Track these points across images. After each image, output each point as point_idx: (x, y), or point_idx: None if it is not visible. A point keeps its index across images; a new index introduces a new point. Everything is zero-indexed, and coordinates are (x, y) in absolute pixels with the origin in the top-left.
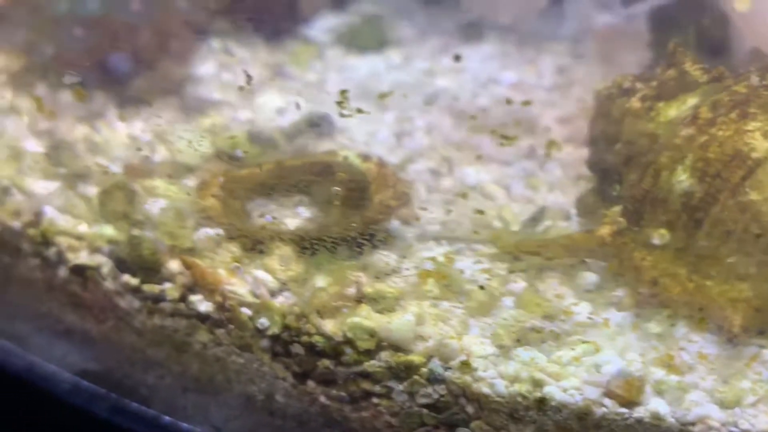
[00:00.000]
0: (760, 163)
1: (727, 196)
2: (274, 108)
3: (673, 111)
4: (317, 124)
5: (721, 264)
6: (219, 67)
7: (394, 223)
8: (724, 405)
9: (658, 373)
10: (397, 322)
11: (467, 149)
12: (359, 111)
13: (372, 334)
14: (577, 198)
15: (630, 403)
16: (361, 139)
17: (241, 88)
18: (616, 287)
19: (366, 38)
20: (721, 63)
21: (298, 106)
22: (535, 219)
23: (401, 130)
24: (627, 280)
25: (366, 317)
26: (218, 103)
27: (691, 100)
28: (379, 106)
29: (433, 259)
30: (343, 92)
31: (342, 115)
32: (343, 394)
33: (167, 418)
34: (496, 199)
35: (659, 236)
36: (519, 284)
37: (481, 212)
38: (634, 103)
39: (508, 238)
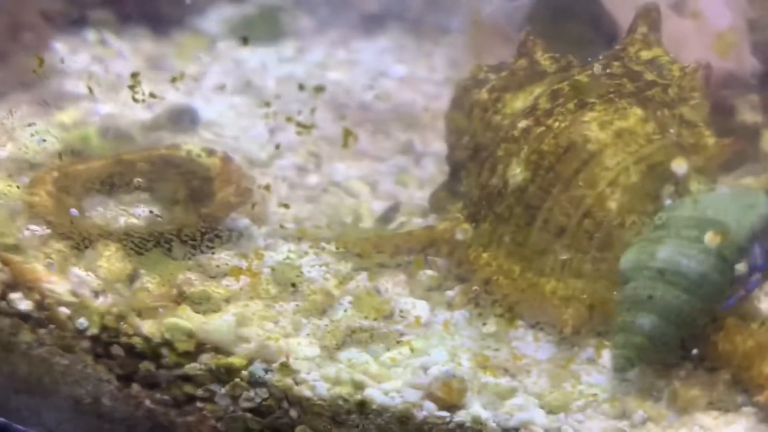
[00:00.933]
0: (594, 156)
1: (560, 190)
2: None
3: (519, 102)
4: (181, 117)
5: (555, 261)
6: (91, 59)
7: (242, 221)
8: (550, 409)
9: (485, 375)
10: (216, 323)
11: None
12: (152, 96)
13: (190, 335)
14: (431, 194)
15: (451, 407)
16: (232, 133)
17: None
18: (452, 285)
19: (261, 30)
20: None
21: (152, 95)
22: (389, 215)
23: (277, 124)
24: (464, 277)
25: (185, 318)
26: (80, 97)
27: (537, 91)
28: (258, 100)
29: (276, 257)
30: (134, 75)
31: (135, 100)
32: (166, 397)
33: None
34: (360, 195)
35: (462, 231)
36: (359, 283)
37: (342, 208)
38: (483, 94)
39: (354, 236)
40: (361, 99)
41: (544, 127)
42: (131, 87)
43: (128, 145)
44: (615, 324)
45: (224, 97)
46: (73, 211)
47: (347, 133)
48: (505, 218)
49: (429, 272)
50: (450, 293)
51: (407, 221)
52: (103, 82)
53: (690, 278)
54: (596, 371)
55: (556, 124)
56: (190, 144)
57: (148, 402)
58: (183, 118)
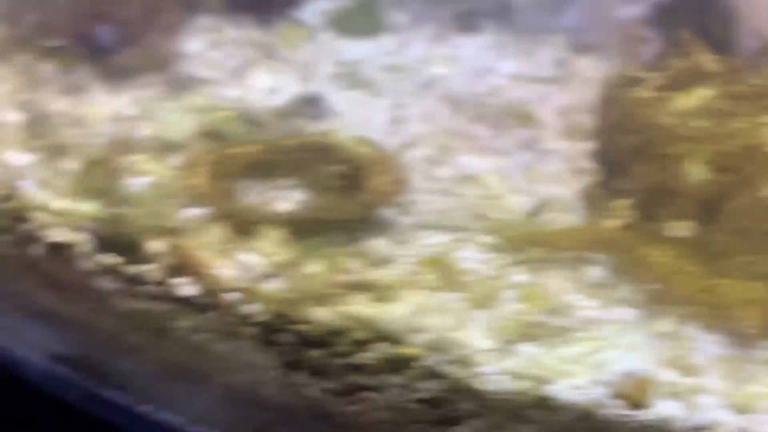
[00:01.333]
0: None
1: (741, 191)
2: (265, 88)
3: (685, 102)
4: (310, 105)
5: (736, 262)
6: (208, 44)
7: (391, 211)
8: (736, 410)
9: (668, 374)
10: (394, 312)
11: (464, 138)
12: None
13: (367, 323)
14: (583, 190)
15: (637, 405)
16: (356, 123)
17: None
18: (623, 283)
19: (359, 23)
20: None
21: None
22: (537, 210)
23: (396, 116)
24: (635, 276)
25: (361, 306)
26: (207, 81)
27: (705, 92)
28: (372, 92)
29: (432, 247)
30: None
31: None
32: (335, 386)
33: (146, 406)
34: (496, 189)
35: (681, 228)
36: (522, 277)
37: (484, 201)
38: (646, 92)
39: (510, 229)
40: (474, 94)
41: (724, 128)
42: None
43: (265, 130)
44: None
45: (339, 88)
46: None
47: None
48: (681, 218)
49: (595, 269)
50: (622, 291)
51: (555, 217)
52: (224, 67)
53: None
54: None
55: (738, 125)
56: (342, 133)
57: (313, 391)
58: (314, 106)
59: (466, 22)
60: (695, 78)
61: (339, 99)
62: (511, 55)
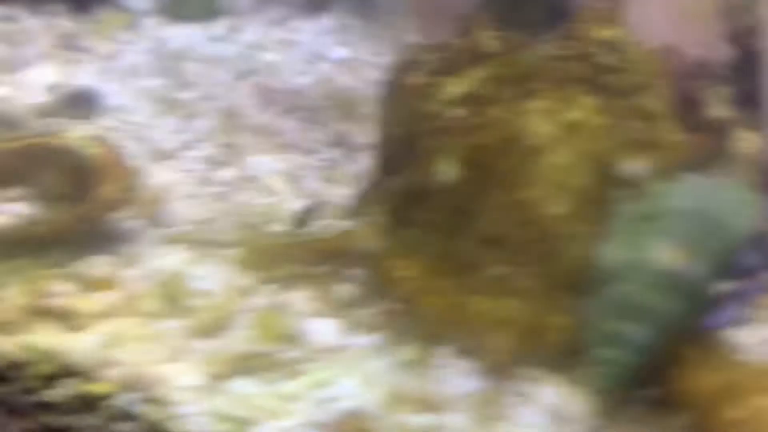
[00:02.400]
0: (539, 151)
1: (495, 192)
2: (43, 84)
3: (457, 88)
4: (80, 102)
5: (489, 275)
6: None
7: (131, 223)
8: None
9: (400, 412)
10: (81, 343)
11: (267, 134)
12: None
13: (52, 356)
14: (356, 192)
15: None
16: (141, 120)
17: None
18: (371, 303)
19: (193, 8)
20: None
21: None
22: (305, 217)
23: (194, 111)
24: (383, 294)
25: (48, 336)
26: None
27: (478, 75)
28: (178, 84)
29: (166, 265)
30: None
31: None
32: (31, 425)
33: None
34: (279, 194)
35: (428, 238)
36: (261, 299)
37: (256, 208)
38: (417, 78)
39: (261, 241)
40: (295, 83)
41: (483, 118)
42: None
43: (14, 132)
44: (595, 335)
45: (139, 79)
46: None
47: None
48: (431, 224)
49: (344, 287)
50: (365, 312)
51: (329, 224)
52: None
53: (688, 285)
54: (533, 408)
55: (495, 113)
56: (81, 131)
57: (13, 430)
58: (82, 103)
59: (319, 3)
60: (474, 59)
61: (135, 92)
62: (352, 41)
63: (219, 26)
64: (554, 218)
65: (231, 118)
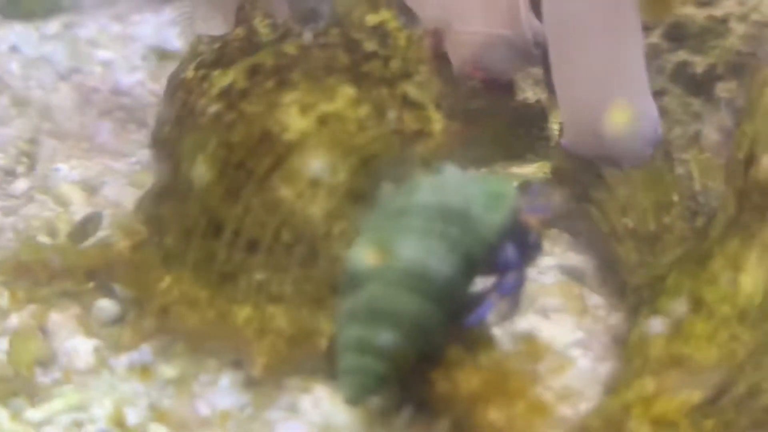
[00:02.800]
0: (293, 148)
1: (251, 193)
2: None
3: (222, 81)
4: None
5: (248, 283)
6: None
7: None
8: None
9: (158, 430)
10: None
11: (79, 138)
12: None
13: None
14: (137, 199)
15: None
16: None
17: None
18: (137, 319)
19: (30, 5)
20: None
21: None
22: (85, 229)
23: (5, 114)
24: (145, 308)
25: None
26: None
27: (241, 67)
28: None
29: None
30: None
31: None
32: None
33: None
34: (72, 204)
35: (192, 244)
36: (21, 320)
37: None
38: (189, 72)
39: (28, 258)
40: (122, 81)
41: (236, 113)
42: None
43: None
44: (343, 341)
45: None
46: None
47: None
48: (189, 230)
49: (107, 303)
50: (129, 329)
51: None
52: None
53: (437, 284)
54: (297, 421)
55: (251, 108)
56: None
57: None
58: None
59: None
60: (247, 50)
61: None
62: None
63: (55, 24)
64: (311, 218)
65: (41, 123)
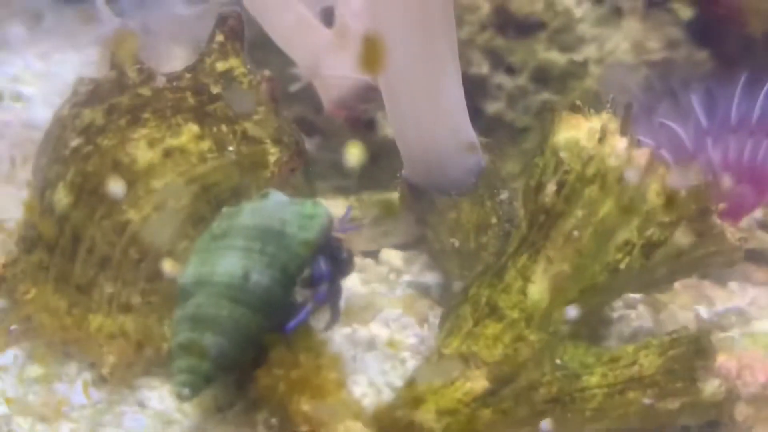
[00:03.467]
0: (140, 177)
1: (102, 216)
2: None
3: (87, 118)
4: None
5: (102, 295)
6: None
7: None
8: None
9: (17, 425)
10: None
11: None
12: None
13: None
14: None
15: None
16: None
17: None
18: (5, 325)
19: None
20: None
21: None
22: None
23: None
24: (11, 317)
25: None
26: None
27: (104, 106)
28: None
29: None
30: None
31: None
32: None
33: None
34: None
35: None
36: None
37: None
38: (64, 110)
39: None
40: (33, 117)
41: (93, 146)
42: None
43: None
44: (175, 345)
45: None
46: None
47: None
48: (51, 248)
49: None
50: None
51: None
52: None
53: (256, 294)
54: (141, 414)
55: (105, 142)
56: None
57: None
58: None
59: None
60: (115, 91)
61: None
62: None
63: None
64: (154, 238)
65: None
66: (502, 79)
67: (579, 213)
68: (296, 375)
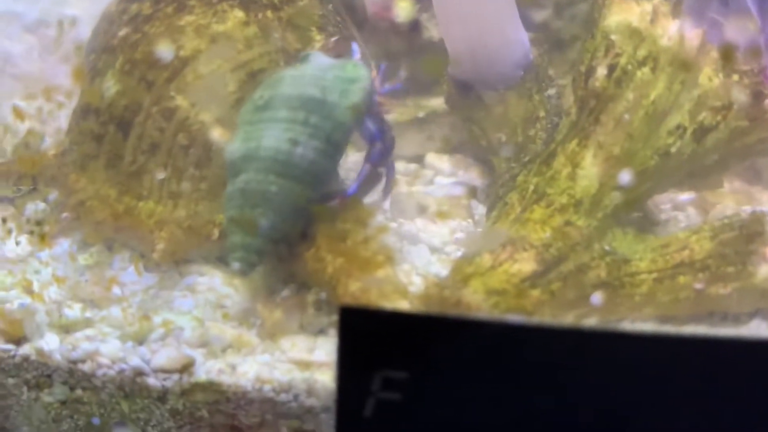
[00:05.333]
0: (187, 63)
1: (151, 102)
2: None
3: (134, 8)
4: None
5: (152, 181)
6: None
7: None
8: (128, 339)
9: (67, 308)
10: None
11: (35, 79)
12: None
13: None
14: (71, 115)
15: (17, 339)
16: None
17: None
18: (57, 215)
19: None
20: None
21: None
22: (27, 144)
23: None
24: (64, 206)
25: None
26: None
27: None
28: None
29: None
30: None
31: None
32: None
33: None
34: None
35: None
36: None
37: None
38: (110, 6)
39: None
40: (80, 33)
41: (140, 34)
42: None
43: None
44: (227, 220)
45: None
46: None
47: None
48: (101, 137)
49: (36, 204)
50: (51, 224)
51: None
52: None
53: (302, 167)
54: (193, 298)
55: (153, 30)
56: None
57: None
58: None
59: None
60: None
61: None
62: None
63: None
64: (203, 124)
65: (4, 66)
66: None
67: (630, 96)
68: (344, 251)
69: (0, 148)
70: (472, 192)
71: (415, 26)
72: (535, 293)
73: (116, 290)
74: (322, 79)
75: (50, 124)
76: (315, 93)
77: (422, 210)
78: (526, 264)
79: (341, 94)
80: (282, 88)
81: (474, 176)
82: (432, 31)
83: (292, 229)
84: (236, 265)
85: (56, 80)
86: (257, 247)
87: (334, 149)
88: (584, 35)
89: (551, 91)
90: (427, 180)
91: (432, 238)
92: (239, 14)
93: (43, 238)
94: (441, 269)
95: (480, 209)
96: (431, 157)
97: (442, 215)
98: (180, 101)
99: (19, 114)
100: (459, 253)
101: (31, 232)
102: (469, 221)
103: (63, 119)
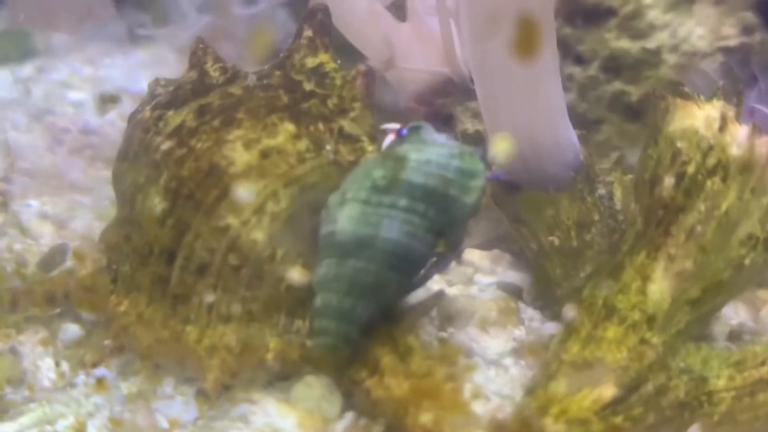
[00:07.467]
0: (238, 179)
1: (200, 222)
2: None
3: (175, 120)
4: None
5: (200, 304)
6: None
7: None
8: None
9: None
10: None
11: (49, 176)
12: None
13: None
14: (102, 231)
15: None
16: None
17: None
18: (99, 340)
19: (6, 49)
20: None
21: None
22: (53, 259)
23: None
24: (107, 330)
25: None
26: None
27: (193, 107)
28: None
29: None
30: None
31: None
32: None
33: None
34: (42, 237)
35: (143, 272)
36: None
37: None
38: (146, 112)
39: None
40: (88, 122)
41: (186, 149)
42: None
43: None
44: (322, 304)
45: None
46: None
47: None
48: (144, 257)
49: (73, 326)
50: (92, 350)
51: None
52: None
53: (413, 261)
54: (247, 428)
55: (199, 144)
56: None
57: None
58: None
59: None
60: (199, 91)
61: None
62: (166, 72)
63: (29, 67)
64: (255, 243)
65: (15, 162)
66: (572, 69)
67: (701, 206)
68: (410, 385)
69: (21, 258)
70: (518, 294)
71: (448, 119)
72: (618, 420)
73: (162, 422)
74: (445, 168)
75: (69, 227)
76: (438, 186)
77: (470, 316)
78: (605, 388)
79: (461, 190)
80: (406, 173)
81: (514, 274)
82: (466, 124)
83: (373, 322)
84: (320, 349)
85: (70, 176)
86: (349, 336)
87: (437, 241)
88: (646, 140)
89: (602, 191)
90: (467, 278)
91: (486, 350)
92: (290, 127)
93: (100, 383)
94: (502, 387)
95: (528, 312)
96: (469, 253)
97: (494, 324)
98: (231, 220)
99: None
100: (517, 367)
101: (70, 361)
102: (521, 328)
103: (80, 221)
